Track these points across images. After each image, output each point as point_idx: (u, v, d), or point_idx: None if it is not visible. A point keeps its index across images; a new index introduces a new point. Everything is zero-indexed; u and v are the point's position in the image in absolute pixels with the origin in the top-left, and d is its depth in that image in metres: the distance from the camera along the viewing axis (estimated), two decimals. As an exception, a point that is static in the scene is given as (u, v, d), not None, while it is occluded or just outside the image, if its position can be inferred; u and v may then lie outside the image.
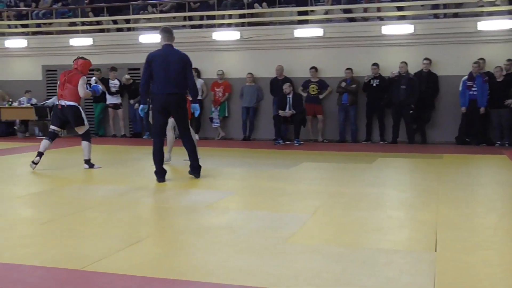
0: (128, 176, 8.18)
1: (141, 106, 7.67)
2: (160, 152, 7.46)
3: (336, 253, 4.18)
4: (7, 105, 14.98)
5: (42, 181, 7.70)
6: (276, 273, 3.71)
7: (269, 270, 3.78)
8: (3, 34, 16.59)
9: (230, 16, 14.69)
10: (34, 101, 15.17)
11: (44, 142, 8.70)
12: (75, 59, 8.87)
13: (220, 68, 14.21)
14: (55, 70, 15.74)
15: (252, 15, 14.56)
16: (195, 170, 7.72)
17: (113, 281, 3.61)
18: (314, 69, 13.46)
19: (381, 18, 13.65)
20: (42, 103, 15.05)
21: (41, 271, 3.82)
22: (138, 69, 14.98)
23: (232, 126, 14.47)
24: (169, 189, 7.10)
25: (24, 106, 14.94)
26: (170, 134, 9.24)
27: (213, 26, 14.64)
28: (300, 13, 14.23)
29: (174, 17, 15.20)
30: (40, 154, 8.53)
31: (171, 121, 8.54)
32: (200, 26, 14.88)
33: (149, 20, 15.38)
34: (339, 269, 3.79)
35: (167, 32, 7.67)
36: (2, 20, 16.97)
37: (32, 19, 16.34)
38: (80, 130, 8.75)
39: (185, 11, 14.91)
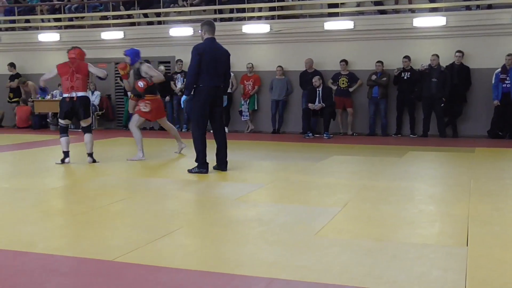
0: (158, 169, 8.27)
1: (185, 97, 7.60)
2: (205, 143, 7.55)
3: (366, 247, 4.17)
4: (40, 98, 15.22)
5: (74, 173, 7.81)
6: (306, 266, 3.72)
7: (299, 263, 3.79)
8: (36, 28, 16.84)
9: (260, 9, 14.68)
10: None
11: (64, 139, 8.46)
12: (69, 49, 8.58)
13: (249, 61, 14.22)
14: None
15: (282, 8, 14.53)
16: (224, 164, 7.74)
17: (144, 272, 3.65)
18: (344, 62, 13.39)
19: (412, 10, 13.49)
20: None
21: (74, 262, 3.88)
22: (169, 62, 15.12)
23: (262, 119, 14.49)
24: (199, 181, 7.15)
25: (56, 99, 15.14)
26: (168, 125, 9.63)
27: (243, 19, 14.64)
28: (331, 5, 14.15)
29: (204, 10, 15.24)
30: (66, 154, 8.44)
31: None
32: (230, 19, 14.90)
33: (179, 13, 15.45)
34: (370, 263, 3.78)
35: (211, 26, 7.70)
36: (36, 14, 17.22)
37: (64, 13, 16.55)
38: (86, 123, 8.57)
39: (215, 4, 14.94)
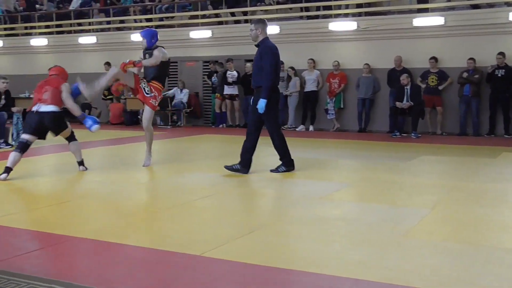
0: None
1: (265, 101, 7.09)
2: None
3: (456, 250, 4.04)
4: (132, 96, 15.74)
5: (162, 169, 8.01)
6: (394, 267, 3.65)
7: (386, 264, 3.73)
8: (129, 28, 17.44)
9: (347, 6, 14.53)
10: (156, 92, 15.83)
11: (16, 155, 7.08)
12: (50, 68, 7.90)
13: (336, 59, 14.10)
14: (176, 62, 16.34)
15: (369, 5, 14.31)
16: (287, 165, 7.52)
17: (230, 268, 3.70)
18: (434, 59, 13.01)
19: (508, 4, 12.91)
20: (163, 94, 15.66)
21: (162, 254, 3.99)
22: (254, 60, 15.24)
23: (348, 118, 14.34)
24: (284, 179, 7.17)
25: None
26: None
27: (329, 16, 14.54)
28: (420, 1, 13.78)
29: (290, 8, 15.25)
30: (8, 170, 6.98)
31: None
32: (316, 17, 14.84)
33: (266, 11, 15.54)
34: (461, 267, 3.66)
35: (266, 25, 7.49)
36: (129, 15, 17.83)
37: (155, 13, 17.03)
38: (66, 134, 7.60)
39: (301, 2, 14.91)
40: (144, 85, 7.81)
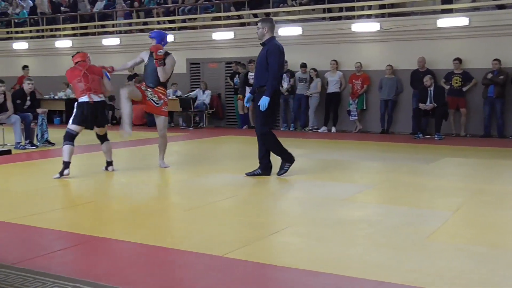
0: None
1: (268, 99, 6.94)
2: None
3: (481, 253, 4.01)
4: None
5: (185, 170, 8.05)
6: (418, 270, 3.63)
7: (410, 266, 3.71)
8: (152, 30, 17.55)
9: (370, 7, 14.46)
10: (179, 93, 15.94)
11: (69, 148, 7.19)
12: (74, 55, 7.65)
13: (358, 60, 14.04)
14: (198, 64, 16.44)
15: (392, 6, 14.22)
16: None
17: (252, 269, 3.72)
18: (458, 60, 12.89)
19: (535, 4, 12.75)
20: (186, 95, 15.78)
21: (185, 255, 4.02)
22: (277, 62, 15.24)
23: (370, 119, 14.27)
24: (306, 180, 7.16)
25: (170, 98, 15.74)
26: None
27: (352, 17, 14.49)
28: (444, 1, 13.66)
29: (313, 9, 15.23)
30: (68, 164, 7.14)
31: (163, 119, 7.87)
32: (339, 18, 14.80)
33: (288, 13, 15.54)
34: (485, 271, 3.63)
35: (274, 24, 7.38)
36: (152, 16, 17.95)
37: (178, 15, 17.13)
38: (104, 130, 7.63)
39: (324, 3, 14.88)
40: (150, 95, 7.66)
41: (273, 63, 7.00)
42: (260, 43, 7.31)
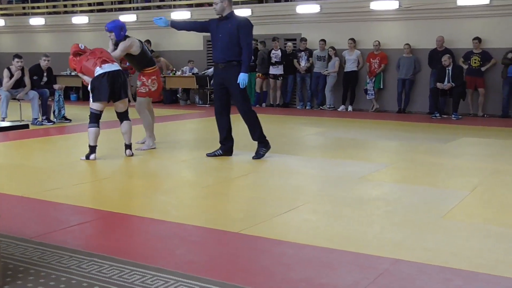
0: (281, 145, 8.31)
1: (246, 75, 6.91)
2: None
3: (498, 233, 3.99)
4: (171, 74, 15.88)
5: (201, 147, 8.06)
6: (433, 249, 3.63)
7: (426, 245, 3.71)
8: (169, 6, 17.50)
9: (388, -15, 14.26)
10: (195, 70, 15.92)
11: (94, 130, 6.85)
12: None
13: (376, 38, 13.90)
14: (215, 41, 16.36)
15: (412, -17, 14.03)
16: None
17: (269, 246, 3.73)
18: (478, 39, 12.71)
19: (556, -17, 12.51)
20: (202, 72, 15.76)
21: (202, 231, 4.06)
22: (294, 39, 15.15)
23: (387, 98, 14.16)
24: (322, 158, 7.15)
25: (186, 75, 15.74)
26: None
27: (371, -5, 14.32)
28: (465, -21, 13.45)
29: (331, -13, 15.05)
30: (93, 149, 6.89)
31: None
32: (357, -4, 14.64)
33: (306, -10, 15.39)
34: (502, 250, 3.62)
35: None
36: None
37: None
38: (126, 105, 7.08)
39: (342, -19, 14.70)
40: (139, 82, 7.70)
41: (249, 38, 6.91)
42: (219, 18, 7.08)
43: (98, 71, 6.71)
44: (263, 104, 15.19)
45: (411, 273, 3.24)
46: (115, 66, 6.83)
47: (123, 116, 7.08)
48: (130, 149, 7.20)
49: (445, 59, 12.14)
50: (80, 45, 7.15)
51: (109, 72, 6.71)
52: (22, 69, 10.52)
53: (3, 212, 4.26)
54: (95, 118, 6.84)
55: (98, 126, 6.85)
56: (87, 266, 3.23)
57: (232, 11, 7.06)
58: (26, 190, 5.25)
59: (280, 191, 5.35)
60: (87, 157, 6.85)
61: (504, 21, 12.69)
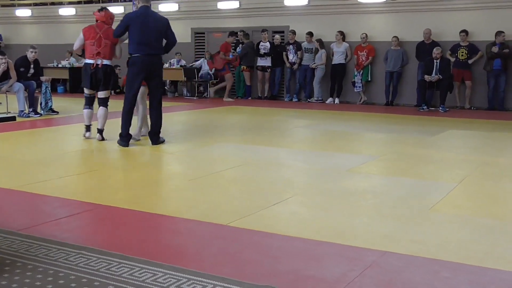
0: (269, 138, 8.33)
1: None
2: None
3: (485, 225, 4.02)
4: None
5: (190, 139, 8.05)
6: (421, 241, 3.64)
7: (413, 237, 3.72)
8: (157, -1, 17.40)
9: (376, -23, 14.27)
10: (183, 62, 15.86)
11: (87, 112, 7.79)
12: (99, 10, 7.71)
13: (364, 31, 13.91)
14: (203, 33, 16.31)
15: (400, -24, 14.03)
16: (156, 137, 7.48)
17: (258, 238, 3.73)
18: (465, 32, 12.76)
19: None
20: (190, 65, 15.70)
21: (191, 224, 4.04)
22: (282, 32, 15.12)
23: (375, 91, 14.20)
24: (310, 151, 7.16)
25: (174, 67, 15.67)
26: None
27: (358, -13, 14.33)
28: (452, -28, 13.48)
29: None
30: (88, 128, 7.80)
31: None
32: (345, -12, 14.63)
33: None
34: (489, 242, 3.64)
35: None
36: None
37: (183, -17, 16.93)
38: (106, 94, 7.74)
39: (330, -27, 14.68)
40: None
41: (173, 38, 7.33)
42: (144, 6, 7.21)
43: (91, 61, 7.51)
44: (249, 98, 15.17)
45: (399, 265, 3.25)
46: (105, 62, 7.51)
47: (101, 102, 7.73)
48: (101, 134, 7.66)
49: (437, 52, 12.16)
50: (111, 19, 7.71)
51: (93, 64, 7.49)
52: (7, 64, 10.38)
53: (-11, 205, 4.22)
54: (87, 100, 7.81)
55: (90, 108, 7.79)
56: (75, 259, 3.21)
57: (140, 7, 7.24)
58: (13, 182, 5.20)
59: (268, 184, 5.35)
60: (84, 135, 7.78)
61: (491, 14, 12.75)
